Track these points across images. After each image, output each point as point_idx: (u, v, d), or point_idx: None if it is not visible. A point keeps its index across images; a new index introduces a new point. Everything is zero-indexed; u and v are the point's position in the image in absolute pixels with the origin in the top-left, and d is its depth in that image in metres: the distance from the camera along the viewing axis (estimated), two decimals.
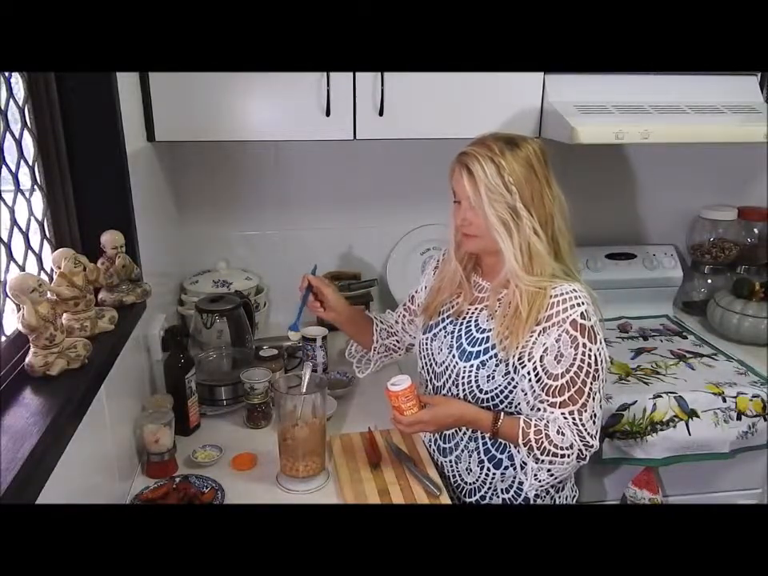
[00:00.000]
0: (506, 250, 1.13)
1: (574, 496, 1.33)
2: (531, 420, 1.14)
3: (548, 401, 1.13)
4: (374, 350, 1.47)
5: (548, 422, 1.12)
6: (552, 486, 1.25)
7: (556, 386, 1.13)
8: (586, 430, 1.13)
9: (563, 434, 1.12)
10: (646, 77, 1.64)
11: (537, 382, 1.15)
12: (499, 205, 1.11)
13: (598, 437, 1.15)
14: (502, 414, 1.16)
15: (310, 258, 1.99)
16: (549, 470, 1.14)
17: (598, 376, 1.14)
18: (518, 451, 1.19)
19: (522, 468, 1.22)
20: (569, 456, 1.12)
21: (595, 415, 1.14)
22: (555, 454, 1.12)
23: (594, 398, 1.13)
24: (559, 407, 1.13)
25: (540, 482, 1.16)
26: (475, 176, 1.11)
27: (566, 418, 1.12)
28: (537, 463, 1.14)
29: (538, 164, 1.13)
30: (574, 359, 1.12)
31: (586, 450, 1.13)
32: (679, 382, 1.65)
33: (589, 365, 1.12)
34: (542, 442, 1.12)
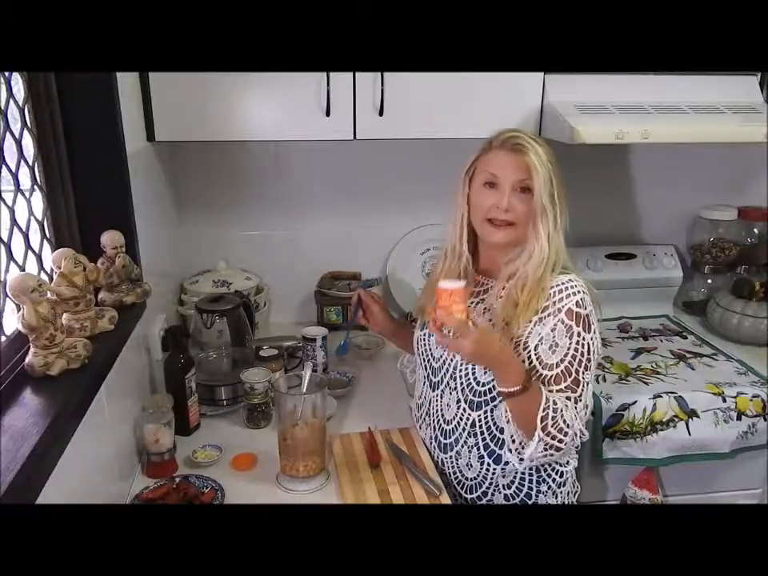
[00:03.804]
0: (541, 238, 1.14)
1: (576, 492, 1.33)
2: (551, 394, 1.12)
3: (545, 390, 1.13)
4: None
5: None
6: (554, 481, 1.25)
7: (551, 376, 1.13)
8: (580, 418, 1.13)
9: (570, 414, 1.11)
10: (646, 77, 1.64)
11: (531, 371, 1.15)
12: (547, 190, 1.13)
13: (585, 427, 1.15)
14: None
15: (310, 258, 2.01)
16: (546, 445, 1.11)
17: (590, 366, 1.14)
18: (508, 427, 1.16)
19: (509, 448, 1.18)
20: (569, 436, 1.11)
21: (587, 406, 1.15)
22: (561, 430, 1.10)
23: (586, 388, 1.14)
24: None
25: (538, 453, 1.12)
26: (536, 159, 1.12)
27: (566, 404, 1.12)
28: (543, 432, 1.09)
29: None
30: (569, 349, 1.12)
31: (580, 436, 1.14)
32: (679, 382, 1.65)
33: (582, 354, 1.12)
34: (558, 416, 1.09)
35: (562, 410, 1.10)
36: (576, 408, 1.13)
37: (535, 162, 1.12)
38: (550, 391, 1.13)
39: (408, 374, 1.52)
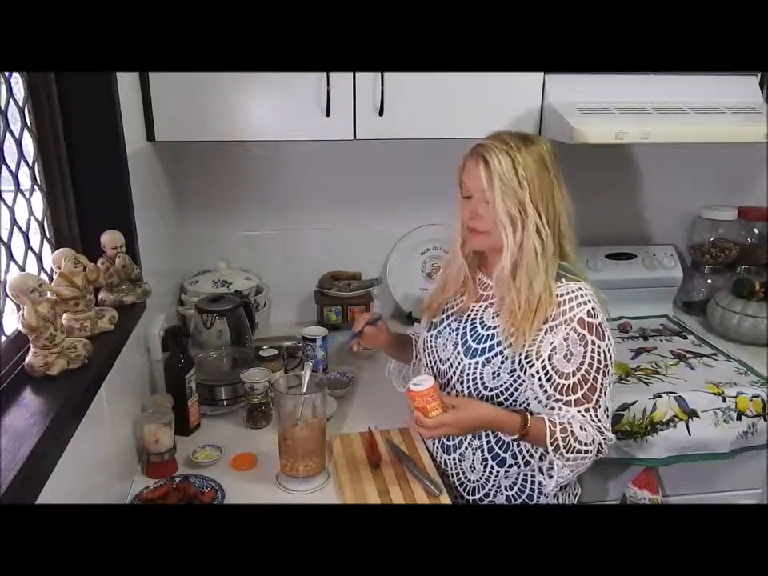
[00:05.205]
0: (507, 244, 1.14)
1: (576, 494, 1.33)
2: (555, 419, 1.13)
3: (562, 399, 1.14)
4: (413, 365, 1.46)
5: (570, 419, 1.13)
6: None
7: (568, 385, 1.14)
8: (602, 424, 1.14)
9: (585, 430, 1.13)
10: (646, 77, 1.64)
11: (547, 381, 1.15)
12: (510, 199, 1.12)
13: (610, 428, 1.17)
14: (529, 415, 1.14)
15: (310, 257, 2.01)
16: (571, 467, 1.15)
17: (608, 372, 1.15)
18: (535, 450, 1.20)
19: (541, 469, 1.22)
20: (591, 452, 1.14)
21: (607, 409, 1.16)
22: (579, 451, 1.12)
23: (605, 393, 1.15)
24: (574, 405, 1.14)
25: (562, 478, 1.17)
26: (491, 167, 1.11)
27: (582, 415, 1.13)
28: (561, 461, 1.14)
29: (550, 162, 1.15)
30: (584, 357, 1.12)
31: (605, 443, 1.15)
32: (679, 382, 1.65)
33: (599, 362, 1.13)
34: (569, 440, 1.12)
35: (571, 431, 1.12)
36: (596, 415, 1.14)
37: (483, 174, 1.12)
38: (567, 403, 1.14)
39: (395, 381, 1.51)
